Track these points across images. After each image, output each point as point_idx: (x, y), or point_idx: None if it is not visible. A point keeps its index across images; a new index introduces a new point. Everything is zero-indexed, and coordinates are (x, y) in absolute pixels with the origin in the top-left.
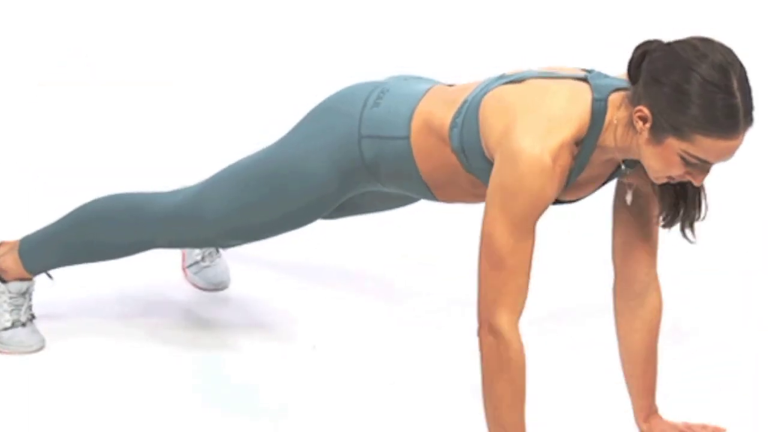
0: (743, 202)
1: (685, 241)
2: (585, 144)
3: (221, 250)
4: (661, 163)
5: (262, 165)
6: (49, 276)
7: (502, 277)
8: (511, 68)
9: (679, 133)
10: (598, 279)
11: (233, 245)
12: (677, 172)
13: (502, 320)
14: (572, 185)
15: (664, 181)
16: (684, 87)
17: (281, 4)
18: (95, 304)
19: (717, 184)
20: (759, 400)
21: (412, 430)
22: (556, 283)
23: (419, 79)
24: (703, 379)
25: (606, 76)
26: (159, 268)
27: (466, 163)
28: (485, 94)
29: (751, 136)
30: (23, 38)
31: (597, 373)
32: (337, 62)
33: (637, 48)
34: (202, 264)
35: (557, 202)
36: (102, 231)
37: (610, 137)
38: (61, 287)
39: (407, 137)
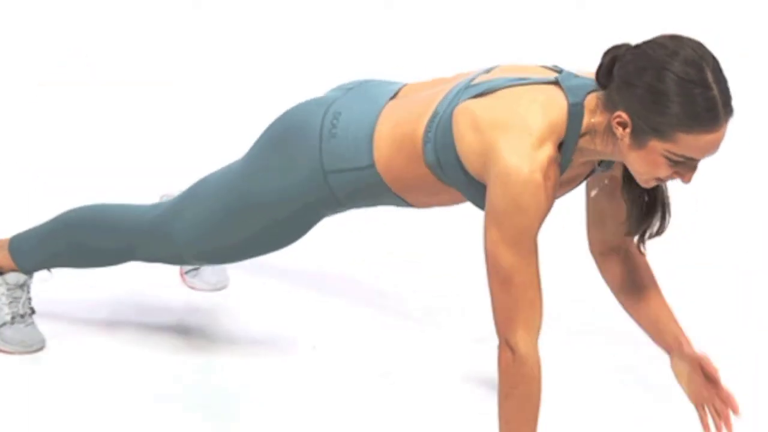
0: (740, 197)
1: (684, 237)
2: (564, 149)
3: None
4: (647, 166)
5: (228, 194)
6: (48, 270)
7: (513, 295)
8: (491, 63)
9: (661, 134)
10: (584, 275)
11: (206, 265)
12: (664, 173)
13: (518, 337)
14: (557, 189)
15: (653, 183)
16: (659, 87)
17: (281, 4)
18: (95, 305)
19: (714, 179)
20: (758, 397)
21: (412, 429)
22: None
23: (364, 84)
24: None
25: (576, 76)
26: (158, 269)
27: (442, 176)
28: (456, 106)
29: (748, 133)
30: (23, 38)
31: (596, 379)
32: (336, 62)
33: (606, 53)
34: (199, 267)
35: None
36: (84, 239)
37: (590, 142)
38: (60, 288)
39: (372, 165)
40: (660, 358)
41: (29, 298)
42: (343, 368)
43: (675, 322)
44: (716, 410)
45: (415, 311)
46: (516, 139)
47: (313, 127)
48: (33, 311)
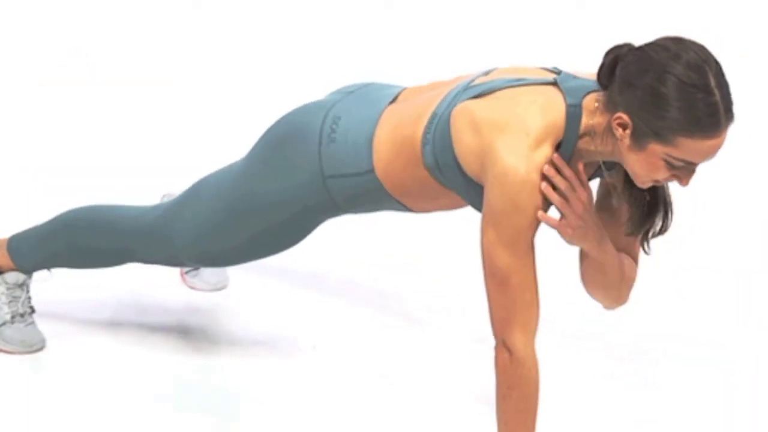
0: (740, 198)
1: (684, 239)
2: (563, 150)
3: None
4: (646, 168)
5: (227, 197)
6: (48, 269)
7: (510, 296)
8: (490, 65)
9: (661, 137)
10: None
11: (209, 266)
12: (662, 176)
13: (515, 338)
14: None
15: (650, 185)
16: (661, 90)
17: (281, 5)
18: (95, 305)
19: (713, 180)
20: (758, 399)
21: (411, 429)
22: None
23: (365, 87)
24: (702, 377)
25: (575, 77)
26: (157, 270)
27: (441, 179)
28: (454, 107)
29: (747, 134)
30: (23, 38)
31: (593, 380)
32: (335, 63)
33: (608, 53)
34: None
35: None
36: (83, 240)
37: (589, 143)
38: (61, 288)
39: (371, 170)
40: (656, 362)
41: (29, 297)
42: (343, 368)
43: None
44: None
45: (415, 312)
46: (513, 139)
47: (312, 131)
48: (33, 310)
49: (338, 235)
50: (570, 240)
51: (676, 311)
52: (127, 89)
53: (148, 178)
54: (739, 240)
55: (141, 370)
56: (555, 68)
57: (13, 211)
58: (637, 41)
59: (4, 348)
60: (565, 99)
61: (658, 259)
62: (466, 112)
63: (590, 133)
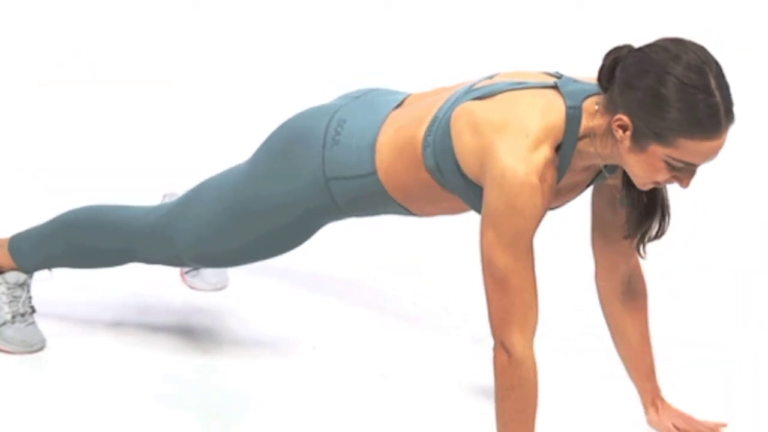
0: (739, 199)
1: (684, 239)
2: (562, 152)
3: None
4: (646, 170)
5: (229, 198)
6: (48, 269)
7: (509, 296)
8: (492, 70)
9: (662, 138)
10: (586, 284)
11: (210, 267)
12: (663, 178)
13: (514, 339)
14: (555, 191)
15: (650, 186)
16: (661, 91)
17: (281, 5)
18: (95, 305)
19: (712, 181)
20: (758, 399)
21: (411, 429)
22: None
23: (371, 92)
24: (702, 377)
25: (575, 81)
26: (157, 270)
27: (442, 181)
28: (455, 108)
29: (747, 134)
30: (23, 38)
31: (593, 380)
32: (335, 63)
33: (608, 55)
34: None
35: None
36: (84, 240)
37: (589, 146)
38: (61, 288)
39: (374, 173)
40: (656, 362)
41: (29, 297)
42: (342, 369)
43: (654, 373)
44: None
45: (415, 313)
46: (512, 140)
47: (316, 134)
48: (33, 310)
49: (338, 237)
50: None
51: (676, 312)
52: (127, 89)
53: (149, 178)
54: (740, 240)
55: (141, 369)
56: (557, 73)
57: (13, 211)
58: (637, 42)
59: (4, 348)
60: (565, 101)
61: (658, 260)
62: (465, 113)
63: (590, 135)
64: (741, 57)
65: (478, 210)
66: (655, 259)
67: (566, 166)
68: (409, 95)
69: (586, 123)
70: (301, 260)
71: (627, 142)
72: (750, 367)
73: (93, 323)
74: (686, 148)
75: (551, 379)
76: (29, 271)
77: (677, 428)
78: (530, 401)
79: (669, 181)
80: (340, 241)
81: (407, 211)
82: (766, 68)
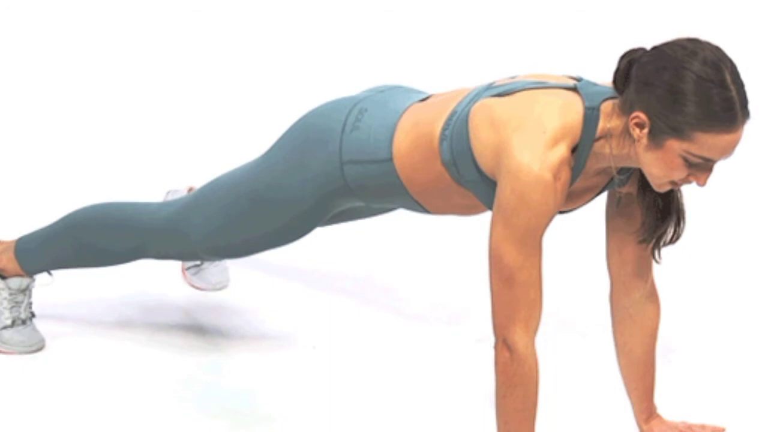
0: (739, 199)
1: (686, 241)
2: (579, 153)
3: None
4: (664, 167)
5: (245, 188)
6: (49, 273)
7: (514, 293)
8: (502, 75)
9: (679, 133)
10: (595, 288)
11: (222, 259)
12: (680, 175)
13: (517, 336)
14: (568, 194)
15: (668, 188)
16: (679, 86)
17: (281, 5)
18: (95, 305)
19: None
20: (759, 400)
21: (412, 429)
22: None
23: (395, 89)
24: (703, 379)
25: (595, 85)
26: (158, 269)
27: (457, 176)
28: (474, 104)
29: (747, 134)
30: (23, 38)
31: (594, 379)
32: (336, 63)
33: (623, 57)
34: (201, 265)
35: None
36: (94, 237)
37: (605, 147)
38: (61, 288)
39: (390, 159)
40: (657, 362)
41: (30, 303)
42: (343, 368)
43: (653, 393)
44: None
45: (416, 312)
46: (529, 137)
47: (337, 121)
48: (33, 315)
49: (338, 236)
50: None
51: (677, 312)
52: (127, 89)
53: (148, 178)
54: (740, 241)
55: (141, 369)
56: (578, 76)
57: (13, 211)
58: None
59: (4, 349)
60: (583, 103)
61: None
62: (484, 109)
63: (606, 136)
64: (741, 57)
65: (489, 203)
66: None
67: (581, 167)
68: (432, 95)
69: (603, 124)
70: (302, 260)
71: (644, 140)
72: (750, 367)
73: (93, 323)
74: (703, 142)
75: (553, 376)
76: (34, 273)
77: None
78: (531, 399)
79: (686, 181)
80: (340, 241)
81: (417, 204)
82: (766, 68)
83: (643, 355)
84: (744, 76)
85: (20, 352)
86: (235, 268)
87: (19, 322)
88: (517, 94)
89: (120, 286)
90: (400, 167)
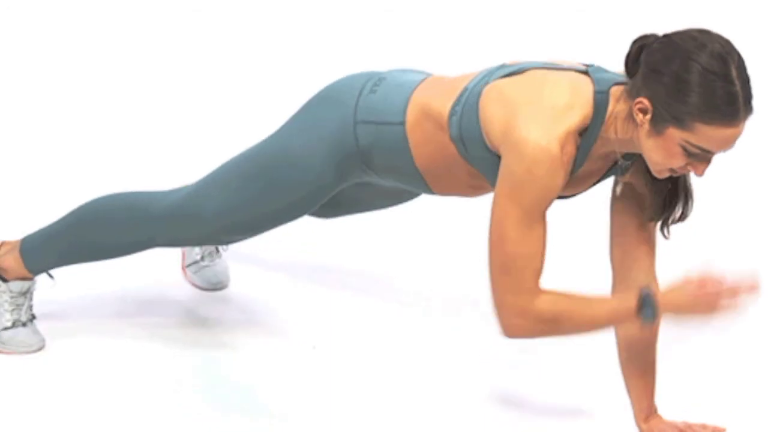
0: (739, 200)
1: (685, 240)
2: (588, 136)
3: (221, 250)
4: (663, 154)
5: (258, 159)
6: (50, 276)
7: (519, 265)
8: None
9: (680, 122)
10: (596, 277)
11: (234, 240)
12: (679, 164)
13: (527, 303)
14: (572, 179)
15: (666, 174)
16: (684, 76)
17: (281, 4)
18: (95, 304)
19: (712, 181)
20: (759, 400)
21: (412, 428)
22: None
23: (418, 72)
24: (703, 379)
25: (606, 71)
26: (158, 268)
27: (464, 152)
28: (486, 84)
29: (747, 134)
30: (23, 38)
31: (596, 373)
32: (336, 61)
33: (635, 42)
34: (202, 264)
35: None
36: (102, 230)
37: (611, 130)
38: (61, 287)
39: (402, 123)
40: (658, 361)
41: (31, 306)
42: (343, 368)
43: (653, 393)
44: None
45: (416, 313)
46: (536, 111)
47: (355, 87)
48: (34, 317)
49: (339, 236)
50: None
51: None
52: (127, 89)
53: (149, 178)
54: (740, 241)
55: (141, 368)
56: (589, 63)
57: (13, 211)
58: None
59: (3, 350)
60: (594, 85)
61: (660, 258)
62: (495, 88)
63: (613, 120)
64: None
65: (495, 183)
66: (657, 257)
67: (589, 149)
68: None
69: (611, 109)
70: (301, 259)
71: (646, 126)
72: (750, 367)
73: (92, 322)
74: (703, 133)
75: (553, 375)
76: (38, 273)
77: None
78: (565, 305)
79: (685, 169)
80: (340, 241)
81: (422, 182)
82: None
83: (643, 352)
84: (751, 71)
85: (21, 352)
86: (235, 266)
87: (20, 324)
88: (528, 73)
89: (120, 283)
90: (411, 134)
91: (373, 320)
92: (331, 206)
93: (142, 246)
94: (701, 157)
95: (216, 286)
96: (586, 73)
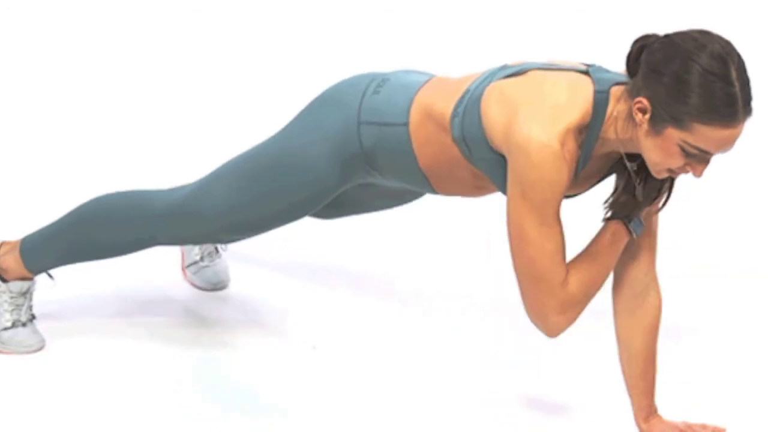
0: (740, 200)
1: (687, 241)
2: (588, 135)
3: (221, 251)
4: (661, 154)
5: (261, 159)
6: (50, 276)
7: (546, 265)
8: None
9: (679, 122)
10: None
11: (235, 240)
12: (677, 164)
13: (564, 295)
14: (575, 178)
15: (665, 175)
16: (684, 77)
17: (283, 5)
18: (95, 304)
19: (712, 181)
20: (759, 400)
21: (412, 428)
22: None
23: (422, 73)
24: (703, 379)
25: (607, 71)
26: (158, 268)
27: (467, 153)
28: (488, 84)
29: (747, 134)
30: (23, 38)
31: (596, 373)
32: (336, 61)
33: (636, 42)
34: (201, 264)
35: None
36: (103, 229)
37: (611, 130)
38: (61, 287)
39: (406, 124)
40: (659, 361)
41: (30, 306)
42: (343, 368)
43: (653, 391)
44: None
45: (417, 311)
46: (536, 110)
47: (358, 88)
48: (34, 317)
49: (339, 236)
50: None
51: (679, 311)
52: (127, 89)
53: (149, 178)
54: (741, 241)
55: (141, 368)
56: (590, 63)
57: (13, 211)
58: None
59: (3, 350)
60: (594, 85)
61: (663, 260)
62: (496, 89)
63: (613, 120)
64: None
65: (500, 184)
66: (659, 260)
67: (591, 148)
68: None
69: (611, 108)
70: (301, 259)
71: (645, 125)
72: (750, 367)
73: (92, 322)
74: (701, 134)
75: (554, 375)
76: (38, 273)
77: None
78: (595, 270)
79: (683, 170)
80: (341, 241)
81: (425, 181)
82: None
83: (644, 351)
84: (751, 72)
85: (20, 352)
86: (235, 266)
87: (20, 324)
88: (529, 74)
89: (120, 283)
90: (414, 135)
91: (373, 320)
92: (334, 207)
93: (142, 244)
94: (699, 158)
95: (216, 286)
96: (586, 73)
